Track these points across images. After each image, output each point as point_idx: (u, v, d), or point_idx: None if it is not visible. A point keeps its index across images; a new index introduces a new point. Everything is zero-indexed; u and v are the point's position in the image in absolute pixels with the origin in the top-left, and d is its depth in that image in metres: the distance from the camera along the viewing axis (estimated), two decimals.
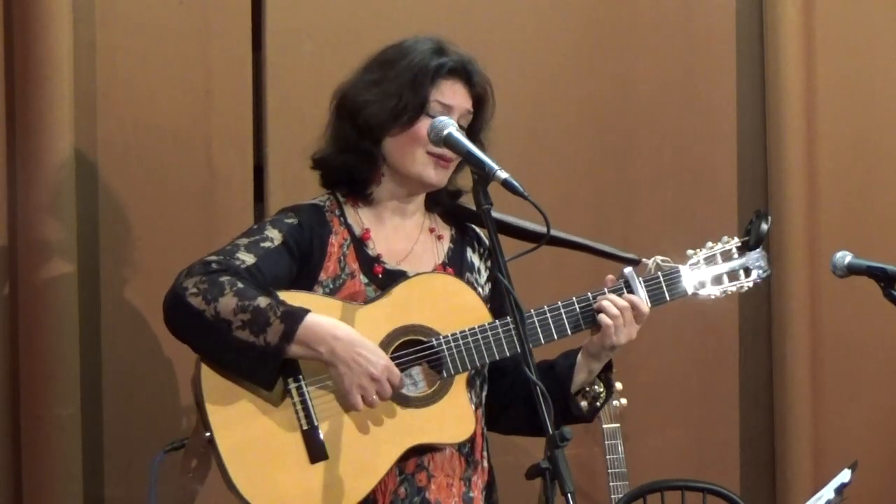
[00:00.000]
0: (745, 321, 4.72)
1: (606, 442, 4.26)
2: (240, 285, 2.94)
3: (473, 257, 3.22)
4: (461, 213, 3.24)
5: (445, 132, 2.98)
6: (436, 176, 3.09)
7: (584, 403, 3.19)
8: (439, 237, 3.20)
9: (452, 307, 3.06)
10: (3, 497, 3.79)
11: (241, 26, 4.06)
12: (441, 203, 3.21)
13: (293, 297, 2.99)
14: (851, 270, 3.25)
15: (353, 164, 3.11)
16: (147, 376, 3.93)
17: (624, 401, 4.31)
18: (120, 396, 3.92)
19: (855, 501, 3.15)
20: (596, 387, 3.20)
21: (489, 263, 3.23)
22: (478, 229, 3.27)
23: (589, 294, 3.13)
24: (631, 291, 3.12)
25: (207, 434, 2.94)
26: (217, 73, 4.02)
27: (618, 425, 4.28)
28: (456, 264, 3.17)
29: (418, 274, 3.08)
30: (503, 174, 2.83)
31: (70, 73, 3.79)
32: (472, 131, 3.13)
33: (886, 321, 4.32)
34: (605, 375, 3.21)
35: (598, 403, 3.21)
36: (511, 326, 3.00)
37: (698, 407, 4.65)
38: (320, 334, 2.93)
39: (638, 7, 4.56)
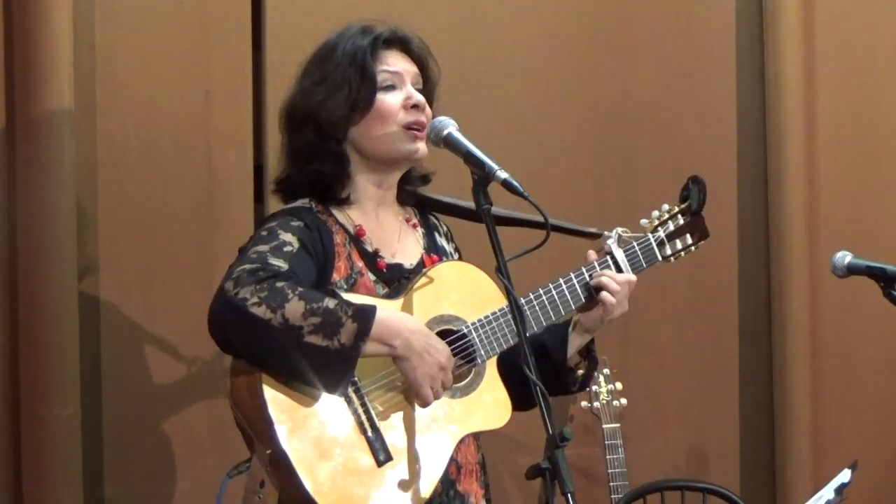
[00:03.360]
0: (745, 321, 4.73)
1: (606, 442, 4.27)
2: (300, 288, 2.84)
3: (442, 241, 3.24)
4: (427, 203, 3.25)
5: (445, 132, 2.97)
6: (416, 146, 3.07)
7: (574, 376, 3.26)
8: (414, 226, 3.21)
9: (473, 293, 3.06)
10: (3, 497, 3.79)
11: (241, 26, 4.06)
12: (412, 192, 3.20)
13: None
14: (851, 270, 3.25)
15: (323, 170, 3.07)
16: (147, 376, 3.92)
17: (624, 401, 4.31)
18: (120, 396, 3.92)
19: (855, 501, 3.16)
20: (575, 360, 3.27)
21: (454, 245, 3.27)
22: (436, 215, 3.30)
23: (583, 269, 3.17)
24: (616, 262, 3.19)
25: (268, 451, 2.86)
26: (217, 73, 4.02)
27: (618, 425, 4.29)
28: (434, 251, 3.19)
29: (434, 264, 3.09)
30: (503, 174, 2.83)
31: (70, 73, 3.79)
32: (424, 95, 3.12)
33: (886, 321, 4.32)
34: (587, 348, 3.26)
35: (577, 375, 3.25)
36: (526, 307, 3.09)
37: (698, 407, 4.66)
38: (394, 328, 2.88)
39: (638, 7, 4.57)
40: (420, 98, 3.09)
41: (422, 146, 3.08)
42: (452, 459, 3.03)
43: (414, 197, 3.22)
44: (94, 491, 3.88)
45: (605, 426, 4.28)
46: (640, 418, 4.50)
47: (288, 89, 3.15)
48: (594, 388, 4.30)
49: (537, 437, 2.75)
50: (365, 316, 2.85)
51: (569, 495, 2.66)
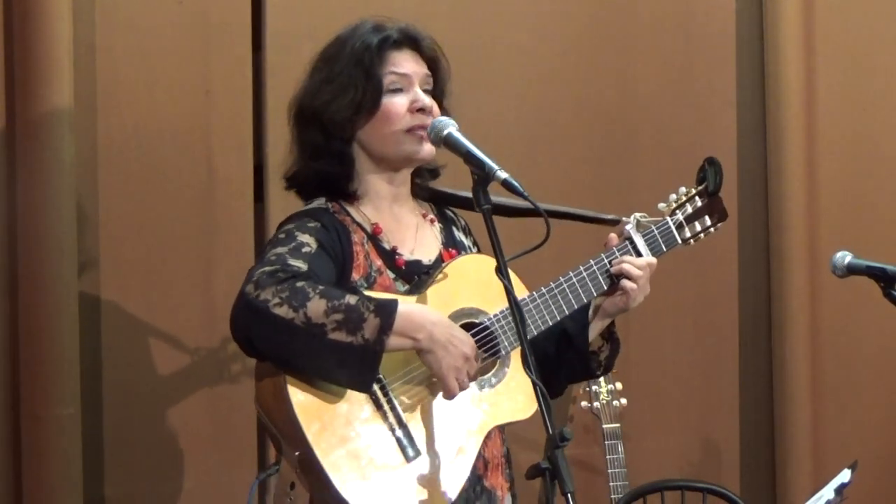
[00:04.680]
0: (745, 321, 4.73)
1: (606, 442, 4.26)
2: (321, 287, 2.84)
3: (460, 235, 3.24)
4: (438, 197, 3.25)
5: (445, 132, 2.97)
6: (422, 146, 3.05)
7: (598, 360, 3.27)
8: (431, 221, 3.20)
9: (493, 286, 3.00)
10: (3, 497, 3.79)
11: (241, 26, 4.06)
12: (424, 186, 3.20)
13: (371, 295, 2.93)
14: (851, 270, 3.25)
15: (327, 169, 3.07)
16: (147, 376, 3.92)
17: (624, 401, 4.31)
18: (120, 396, 3.92)
19: (855, 501, 3.15)
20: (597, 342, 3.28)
21: (472, 239, 3.27)
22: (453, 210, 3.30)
23: (603, 256, 3.17)
24: (635, 247, 3.19)
25: (297, 452, 2.87)
26: (217, 73, 4.02)
27: (618, 425, 4.28)
28: (453, 245, 3.18)
29: (454, 258, 3.10)
30: (503, 174, 2.83)
31: (70, 73, 3.79)
32: (435, 95, 3.12)
33: (886, 321, 4.32)
34: (608, 330, 3.26)
35: (600, 357, 3.26)
36: (548, 296, 3.09)
37: (698, 407, 4.66)
38: (417, 321, 2.88)
39: (638, 7, 4.57)
40: (426, 101, 3.08)
41: (427, 147, 3.07)
42: (480, 454, 3.03)
43: (427, 191, 3.22)
44: (94, 491, 3.88)
45: (605, 426, 4.28)
46: (640, 418, 4.50)
47: (296, 84, 3.15)
48: (594, 387, 4.30)
49: (537, 437, 2.75)
50: (387, 310, 2.85)
51: (569, 495, 2.66)
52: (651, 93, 4.58)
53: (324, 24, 4.01)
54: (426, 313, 2.92)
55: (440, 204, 3.26)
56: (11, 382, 3.79)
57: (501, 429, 3.13)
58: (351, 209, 3.10)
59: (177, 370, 3.93)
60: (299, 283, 2.84)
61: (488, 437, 3.05)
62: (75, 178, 3.81)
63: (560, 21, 4.47)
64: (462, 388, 2.93)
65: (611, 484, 4.23)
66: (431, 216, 3.21)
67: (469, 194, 2.96)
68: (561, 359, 3.21)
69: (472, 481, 3.03)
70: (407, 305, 2.90)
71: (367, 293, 2.93)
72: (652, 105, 4.58)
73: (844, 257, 3.26)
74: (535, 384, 2.73)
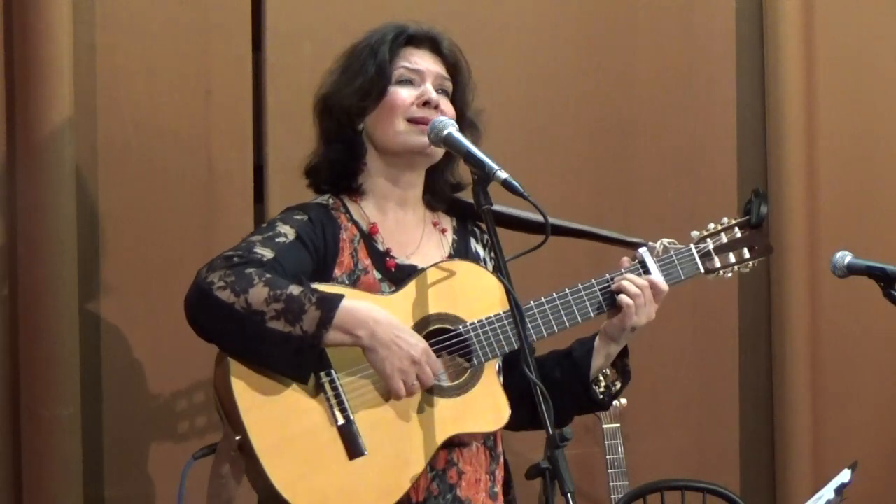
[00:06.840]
0: (745, 321, 4.73)
1: (606, 442, 4.27)
2: (268, 275, 2.85)
3: (478, 248, 3.22)
4: (462, 209, 3.23)
5: (445, 132, 2.98)
6: (419, 139, 3.05)
7: (599, 390, 3.19)
8: (443, 230, 3.19)
9: (476, 294, 3.03)
10: (3, 497, 3.79)
11: (241, 26, 4.06)
12: (443, 197, 3.19)
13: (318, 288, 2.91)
14: (851, 270, 3.25)
15: (335, 156, 3.10)
16: (147, 376, 3.93)
17: (624, 401, 4.31)
18: (120, 396, 3.92)
19: (855, 501, 3.15)
20: (608, 373, 3.21)
21: (493, 254, 3.24)
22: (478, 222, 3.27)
23: (607, 275, 3.13)
24: (647, 271, 3.13)
25: (238, 437, 2.86)
26: (217, 73, 4.02)
27: (618, 425, 4.29)
28: (462, 256, 3.16)
29: (439, 262, 3.06)
30: (503, 174, 2.83)
31: (70, 73, 3.79)
32: (455, 100, 3.13)
33: (886, 321, 4.32)
34: (621, 362, 3.21)
35: (612, 390, 3.21)
36: (536, 311, 3.06)
37: (698, 407, 4.66)
38: (359, 318, 2.85)
39: (638, 6, 4.57)
40: (433, 97, 3.08)
41: (424, 140, 3.06)
42: (453, 464, 3.01)
43: (445, 203, 3.20)
44: (94, 491, 3.88)
45: (605, 426, 4.28)
46: (640, 418, 4.50)
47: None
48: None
49: (537, 437, 2.75)
50: (329, 304, 2.84)
51: (569, 495, 2.66)
52: (651, 93, 4.58)
53: (324, 24, 4.04)
54: (370, 311, 2.88)
55: (463, 217, 3.24)
56: (11, 382, 3.79)
57: (490, 444, 3.09)
58: (351, 206, 3.11)
59: (177, 370, 3.92)
60: (248, 270, 2.85)
61: (465, 447, 3.02)
62: (75, 179, 3.81)
63: (560, 21, 4.47)
64: (410, 392, 2.89)
65: (611, 484, 4.23)
66: (444, 226, 3.20)
67: (512, 211, 2.96)
68: (565, 384, 3.14)
69: (442, 489, 3.00)
70: (353, 302, 2.88)
71: (316, 286, 2.91)
72: (652, 105, 4.58)
73: (844, 257, 3.26)
74: (534, 384, 2.73)
